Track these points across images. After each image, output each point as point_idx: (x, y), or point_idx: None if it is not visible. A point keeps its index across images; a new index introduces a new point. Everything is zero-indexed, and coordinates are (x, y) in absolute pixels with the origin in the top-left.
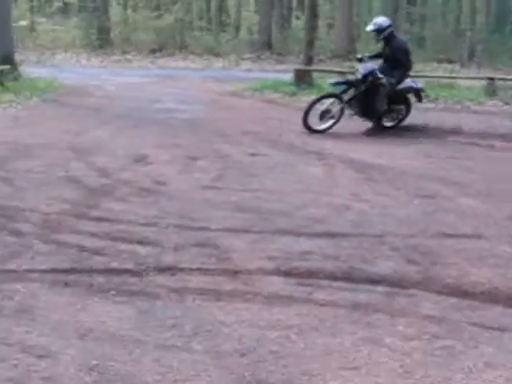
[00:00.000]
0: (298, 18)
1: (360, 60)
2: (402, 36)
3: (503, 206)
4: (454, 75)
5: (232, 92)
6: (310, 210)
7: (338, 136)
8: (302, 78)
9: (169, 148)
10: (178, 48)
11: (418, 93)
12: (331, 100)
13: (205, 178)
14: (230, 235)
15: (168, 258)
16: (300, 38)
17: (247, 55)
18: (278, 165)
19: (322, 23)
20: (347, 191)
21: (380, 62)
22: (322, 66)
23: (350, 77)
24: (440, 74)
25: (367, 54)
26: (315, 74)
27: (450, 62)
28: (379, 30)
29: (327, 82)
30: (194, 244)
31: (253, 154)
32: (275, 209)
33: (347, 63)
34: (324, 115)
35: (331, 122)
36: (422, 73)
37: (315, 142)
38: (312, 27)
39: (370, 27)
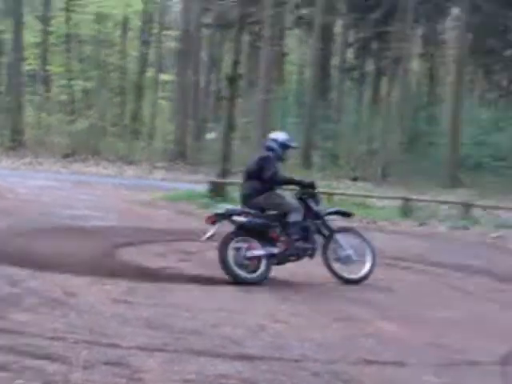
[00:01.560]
0: (212, 129)
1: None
2: None
3: (422, 331)
4: (368, 194)
5: (146, 201)
6: (225, 329)
7: None
8: (216, 190)
9: (78, 255)
10: (91, 153)
11: None
12: None
13: (115, 291)
14: (142, 354)
15: (76, 377)
16: (214, 149)
17: (161, 164)
18: (192, 280)
19: (237, 136)
20: (263, 310)
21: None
22: (236, 179)
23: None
24: (354, 192)
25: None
26: (229, 187)
27: (364, 180)
28: None
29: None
30: (105, 362)
31: (164, 268)
32: (189, 327)
33: None
34: None
35: None
36: (337, 190)
37: None
38: (228, 140)
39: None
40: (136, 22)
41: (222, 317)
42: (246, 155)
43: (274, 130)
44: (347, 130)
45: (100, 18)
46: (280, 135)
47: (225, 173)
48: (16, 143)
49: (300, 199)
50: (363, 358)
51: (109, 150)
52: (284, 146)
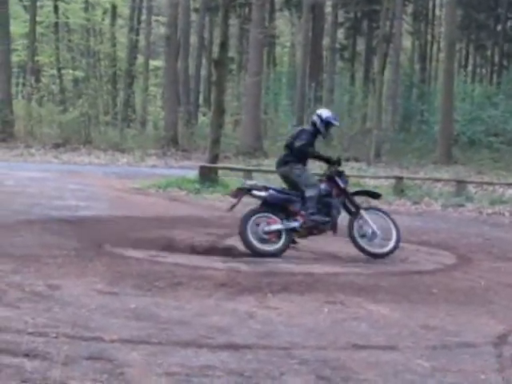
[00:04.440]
0: (204, 114)
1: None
2: None
3: (415, 313)
4: (362, 174)
5: (136, 189)
6: (211, 318)
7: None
8: (207, 176)
9: (64, 247)
10: (82, 143)
11: None
12: None
13: (102, 282)
14: (125, 347)
15: (56, 374)
16: (206, 134)
17: (153, 151)
18: (178, 266)
19: (228, 120)
20: (253, 297)
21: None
22: (227, 163)
23: None
24: (348, 172)
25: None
26: (220, 172)
27: (357, 160)
28: None
29: None
30: (86, 357)
31: (153, 256)
32: (174, 317)
33: (253, 160)
34: None
35: None
36: None
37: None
38: (218, 124)
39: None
40: (124, 9)
41: (210, 305)
42: (237, 138)
43: (265, 112)
44: (339, 110)
45: (88, 6)
46: (324, 112)
47: (214, 158)
48: (6, 135)
49: (328, 176)
50: (354, 342)
51: (100, 138)
52: (327, 122)
